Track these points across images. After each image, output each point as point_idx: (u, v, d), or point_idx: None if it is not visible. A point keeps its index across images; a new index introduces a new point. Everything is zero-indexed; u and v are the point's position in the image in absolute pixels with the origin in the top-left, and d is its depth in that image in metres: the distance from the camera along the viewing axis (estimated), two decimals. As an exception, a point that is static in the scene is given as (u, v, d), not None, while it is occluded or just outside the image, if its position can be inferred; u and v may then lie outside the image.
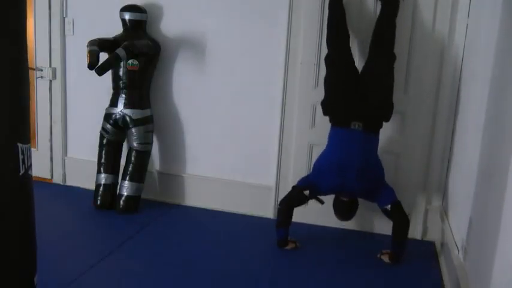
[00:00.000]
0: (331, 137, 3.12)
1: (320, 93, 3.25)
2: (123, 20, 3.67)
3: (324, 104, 3.19)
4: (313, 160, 3.51)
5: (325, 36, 3.27)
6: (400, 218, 3.02)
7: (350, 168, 2.98)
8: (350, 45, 3.23)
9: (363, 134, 3.00)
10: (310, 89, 3.51)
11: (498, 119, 2.19)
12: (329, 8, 3.26)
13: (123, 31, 3.70)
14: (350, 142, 3.02)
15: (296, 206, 3.15)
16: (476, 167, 2.49)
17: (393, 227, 3.05)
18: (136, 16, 3.65)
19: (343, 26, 3.22)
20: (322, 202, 3.15)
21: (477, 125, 2.56)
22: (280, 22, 3.52)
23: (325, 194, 3.15)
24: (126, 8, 3.65)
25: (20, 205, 1.49)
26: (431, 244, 3.45)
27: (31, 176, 1.54)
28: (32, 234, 1.57)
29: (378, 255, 3.13)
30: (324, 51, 3.34)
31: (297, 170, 3.60)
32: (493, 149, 2.22)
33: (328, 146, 3.13)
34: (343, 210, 3.16)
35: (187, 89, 3.83)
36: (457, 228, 2.89)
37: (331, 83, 3.17)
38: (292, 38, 3.50)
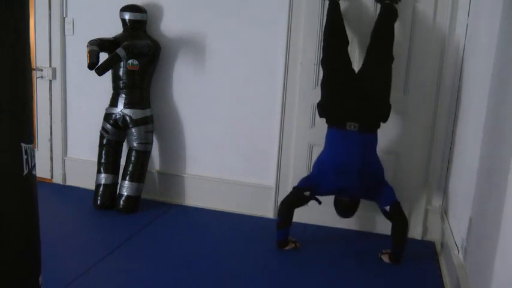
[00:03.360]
0: (328, 138, 3.12)
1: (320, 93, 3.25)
2: (123, 20, 3.67)
3: (320, 105, 3.19)
4: (313, 160, 3.53)
5: (322, 43, 3.25)
6: (399, 219, 3.02)
7: (349, 169, 2.98)
8: (348, 49, 3.24)
9: (359, 135, 3.00)
10: (310, 89, 3.51)
11: (498, 119, 2.19)
12: (327, 16, 3.26)
13: (123, 31, 3.70)
14: (347, 143, 3.02)
15: (297, 207, 3.15)
16: (476, 167, 2.49)
17: (392, 227, 3.05)
18: (137, 16, 3.65)
19: (342, 34, 3.23)
20: (319, 202, 3.15)
21: (477, 125, 2.56)
22: (280, 22, 3.52)
23: (326, 194, 3.15)
24: (126, 8, 3.65)
25: (24, 205, 1.49)
26: (431, 244, 3.45)
27: (35, 175, 1.54)
28: (35, 233, 1.57)
29: (378, 255, 3.14)
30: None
31: (297, 170, 3.61)
32: (493, 149, 2.22)
33: (325, 147, 3.14)
34: (344, 209, 3.16)
35: (187, 89, 3.83)
36: (457, 228, 2.89)
37: (327, 85, 3.17)
38: (292, 38, 3.51)
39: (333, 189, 3.11)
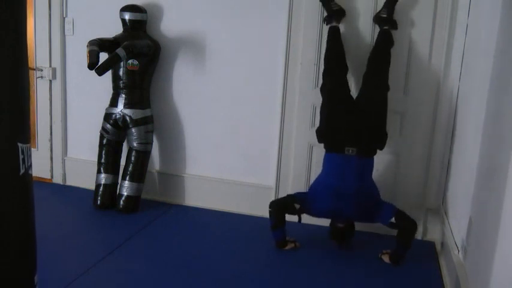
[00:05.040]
0: (326, 162, 3.16)
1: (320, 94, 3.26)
2: (123, 20, 3.67)
3: (318, 131, 3.23)
4: (313, 160, 3.55)
5: (323, 69, 3.29)
6: (408, 224, 3.02)
7: (346, 193, 3.02)
8: (347, 76, 3.26)
9: (357, 159, 3.04)
10: (310, 89, 3.51)
11: (498, 119, 2.19)
12: (327, 42, 3.29)
13: (123, 31, 3.70)
14: (345, 167, 3.05)
15: (285, 213, 3.16)
16: (476, 167, 2.49)
17: (401, 231, 3.04)
18: (137, 16, 3.65)
19: (342, 59, 3.26)
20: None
21: (477, 126, 2.56)
22: (280, 22, 3.52)
23: (318, 216, 3.20)
24: (126, 8, 3.65)
25: (20, 205, 1.49)
26: (431, 244, 3.45)
27: (31, 175, 1.54)
28: (31, 233, 1.57)
29: (378, 255, 3.14)
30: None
31: (297, 170, 3.61)
32: (492, 149, 2.23)
33: (323, 171, 3.17)
34: (341, 237, 3.20)
35: (187, 89, 3.83)
36: (457, 228, 2.89)
37: (326, 111, 3.21)
38: (292, 38, 3.51)
39: (327, 213, 3.14)
